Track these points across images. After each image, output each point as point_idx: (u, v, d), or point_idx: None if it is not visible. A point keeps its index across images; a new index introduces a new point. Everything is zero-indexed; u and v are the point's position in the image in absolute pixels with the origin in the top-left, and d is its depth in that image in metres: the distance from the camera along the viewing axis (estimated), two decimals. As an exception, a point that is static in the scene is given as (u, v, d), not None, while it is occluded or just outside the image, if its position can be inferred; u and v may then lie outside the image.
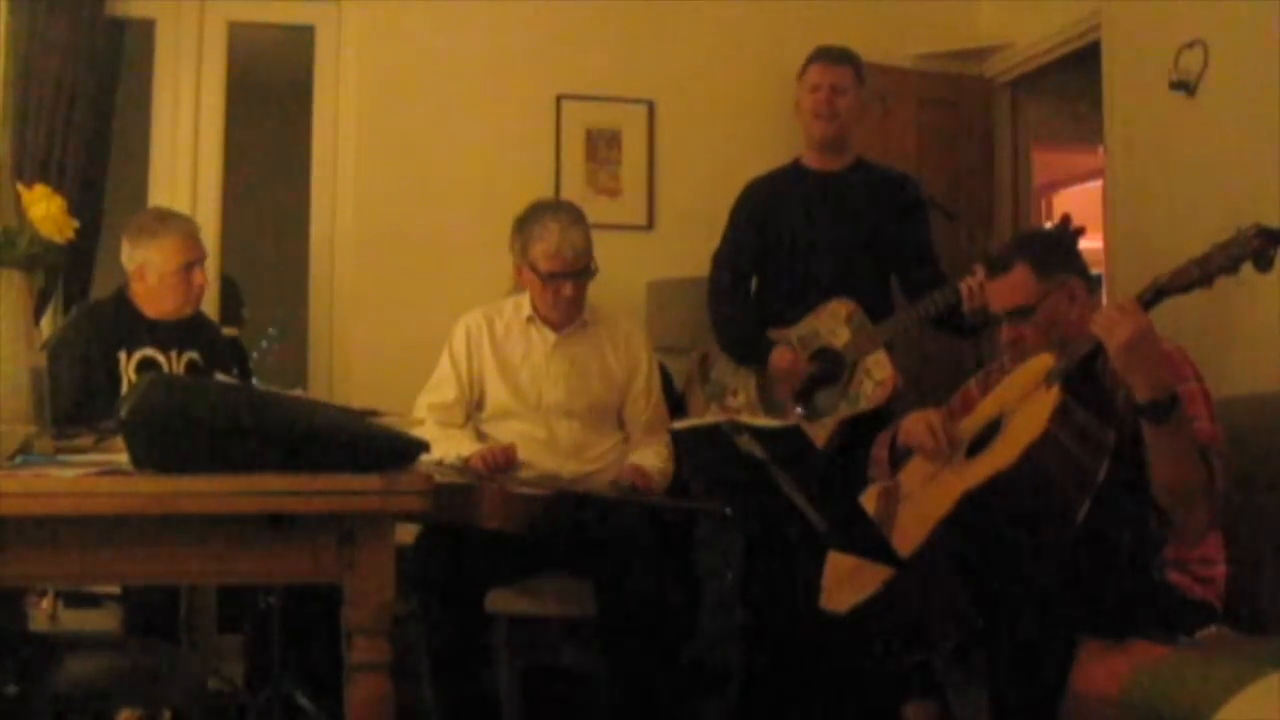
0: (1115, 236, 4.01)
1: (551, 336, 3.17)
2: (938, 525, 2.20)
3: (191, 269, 3.27)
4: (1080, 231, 2.92)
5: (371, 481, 1.87)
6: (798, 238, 3.48)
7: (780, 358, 3.36)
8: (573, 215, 3.11)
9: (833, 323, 3.35)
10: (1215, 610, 2.30)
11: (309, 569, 1.93)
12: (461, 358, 3.17)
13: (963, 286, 3.10)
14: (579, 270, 3.08)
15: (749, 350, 3.45)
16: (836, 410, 3.29)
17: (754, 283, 3.62)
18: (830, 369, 3.33)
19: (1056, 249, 2.57)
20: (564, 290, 3.08)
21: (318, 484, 1.86)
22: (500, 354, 3.17)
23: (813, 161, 3.55)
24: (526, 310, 3.19)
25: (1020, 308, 2.47)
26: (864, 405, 3.26)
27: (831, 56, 3.52)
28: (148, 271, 3.24)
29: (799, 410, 3.32)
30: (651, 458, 3.13)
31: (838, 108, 3.46)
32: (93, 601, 3.18)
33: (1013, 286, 2.48)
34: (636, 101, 4.43)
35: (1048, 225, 4.06)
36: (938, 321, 3.31)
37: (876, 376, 3.26)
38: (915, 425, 2.54)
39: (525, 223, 3.12)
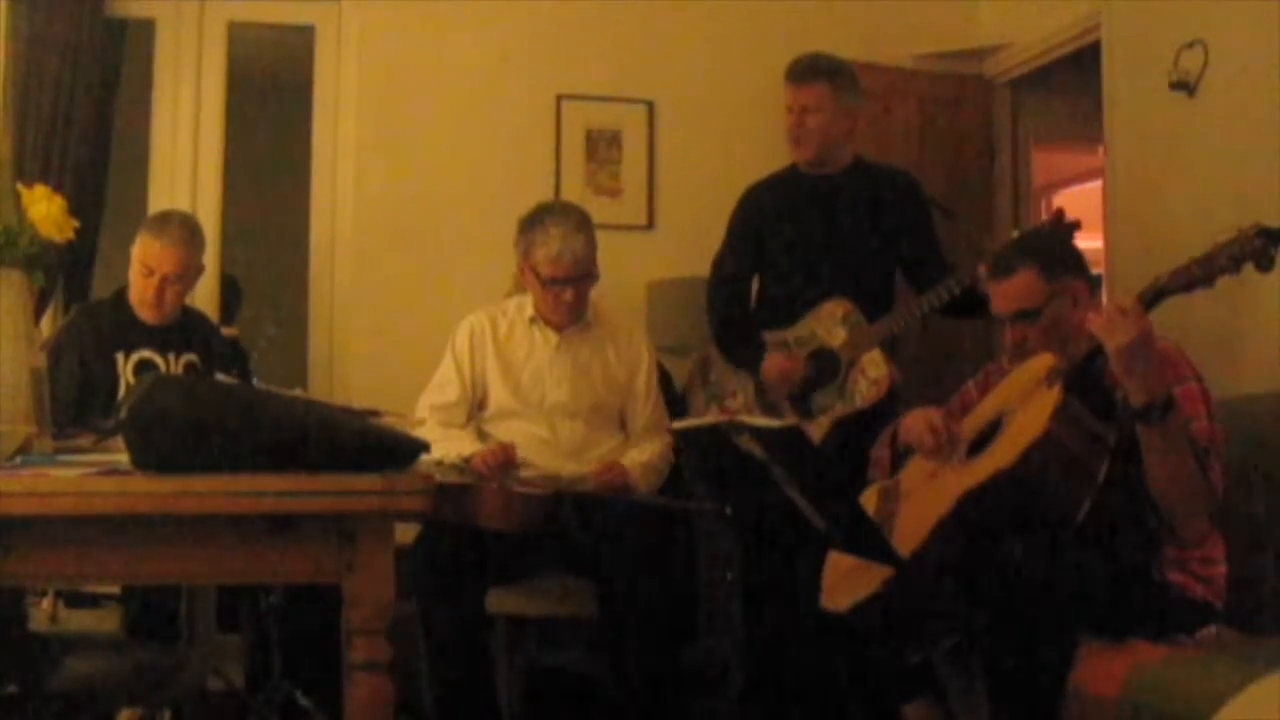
0: (1115, 236, 4.01)
1: (554, 337, 3.17)
2: (938, 525, 2.20)
3: (151, 276, 3.25)
4: (1075, 225, 2.91)
5: (371, 481, 1.87)
6: (797, 242, 3.46)
7: (771, 365, 3.35)
8: (577, 221, 3.08)
9: (829, 323, 3.34)
10: (1215, 610, 2.30)
11: (309, 569, 1.93)
12: (465, 358, 3.17)
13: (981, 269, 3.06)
14: (579, 277, 3.07)
15: (744, 356, 3.43)
16: (832, 409, 3.29)
17: (755, 288, 3.61)
18: (824, 372, 3.32)
19: (1061, 252, 2.57)
20: (564, 296, 3.08)
21: (318, 484, 1.86)
22: (503, 354, 3.17)
23: (809, 166, 3.53)
24: (529, 310, 3.19)
25: (1025, 310, 2.46)
26: (859, 404, 3.25)
27: (800, 74, 3.39)
28: (131, 265, 3.28)
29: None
30: (635, 454, 3.11)
31: (809, 129, 3.39)
32: (93, 601, 3.17)
33: (1019, 289, 2.47)
34: (636, 101, 4.42)
35: (1043, 219, 4.05)
36: (951, 308, 3.25)
37: (871, 375, 3.25)
38: (915, 423, 2.54)
39: (529, 225, 3.10)
